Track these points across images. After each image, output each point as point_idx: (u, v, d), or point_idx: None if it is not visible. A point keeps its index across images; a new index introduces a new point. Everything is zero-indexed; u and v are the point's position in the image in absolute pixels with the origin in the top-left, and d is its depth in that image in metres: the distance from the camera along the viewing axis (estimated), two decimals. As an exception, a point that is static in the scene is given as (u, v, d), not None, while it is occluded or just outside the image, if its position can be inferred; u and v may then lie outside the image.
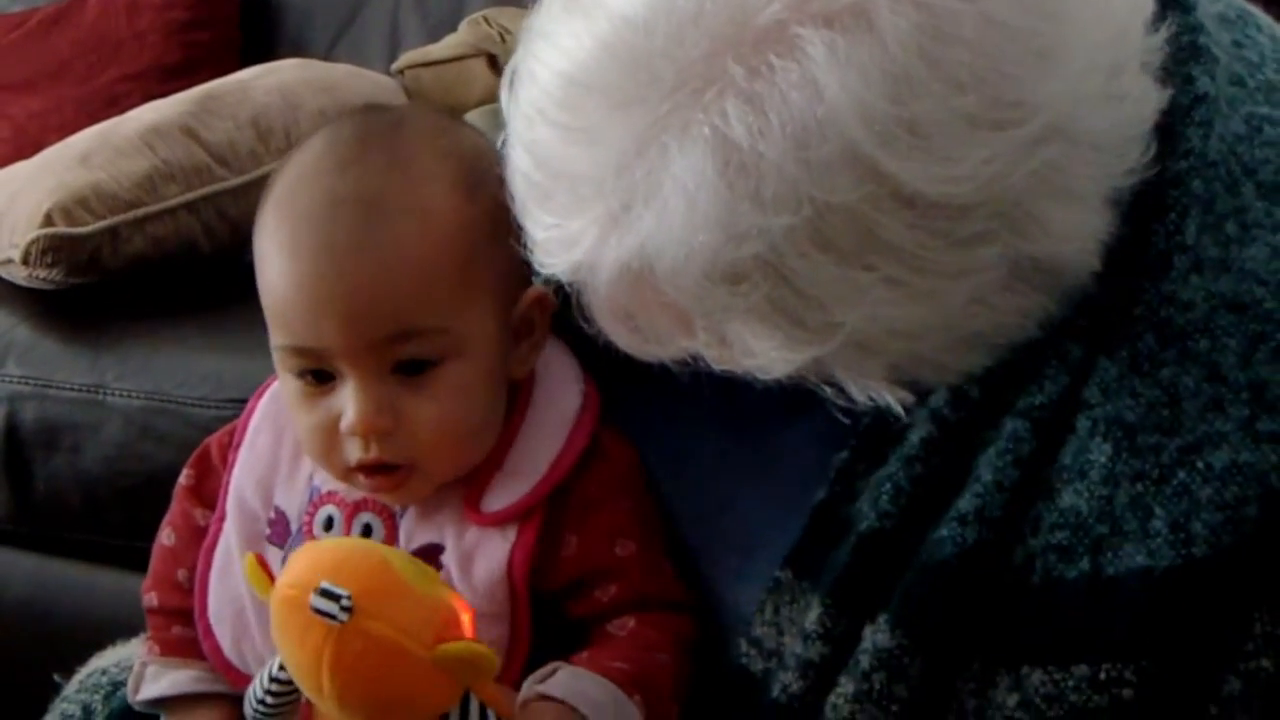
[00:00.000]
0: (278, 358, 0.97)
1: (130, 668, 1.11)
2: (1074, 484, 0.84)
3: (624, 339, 0.85)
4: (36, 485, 1.83)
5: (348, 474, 0.96)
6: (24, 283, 1.90)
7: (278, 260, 0.95)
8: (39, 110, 2.31)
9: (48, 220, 1.84)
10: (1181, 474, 0.82)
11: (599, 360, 0.94)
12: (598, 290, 0.81)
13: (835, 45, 0.73)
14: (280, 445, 1.02)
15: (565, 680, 0.92)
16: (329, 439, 0.95)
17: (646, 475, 1.00)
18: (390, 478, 0.95)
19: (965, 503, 0.86)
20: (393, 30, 2.40)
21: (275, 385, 1.05)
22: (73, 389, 1.81)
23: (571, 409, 0.99)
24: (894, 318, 0.77)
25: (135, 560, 1.72)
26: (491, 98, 1.91)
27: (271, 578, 0.90)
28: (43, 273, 1.87)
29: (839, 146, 0.73)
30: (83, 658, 1.18)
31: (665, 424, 0.99)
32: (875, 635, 0.87)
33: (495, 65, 2.14)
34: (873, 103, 0.73)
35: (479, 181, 0.94)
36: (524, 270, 0.91)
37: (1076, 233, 0.79)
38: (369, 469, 0.95)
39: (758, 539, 0.96)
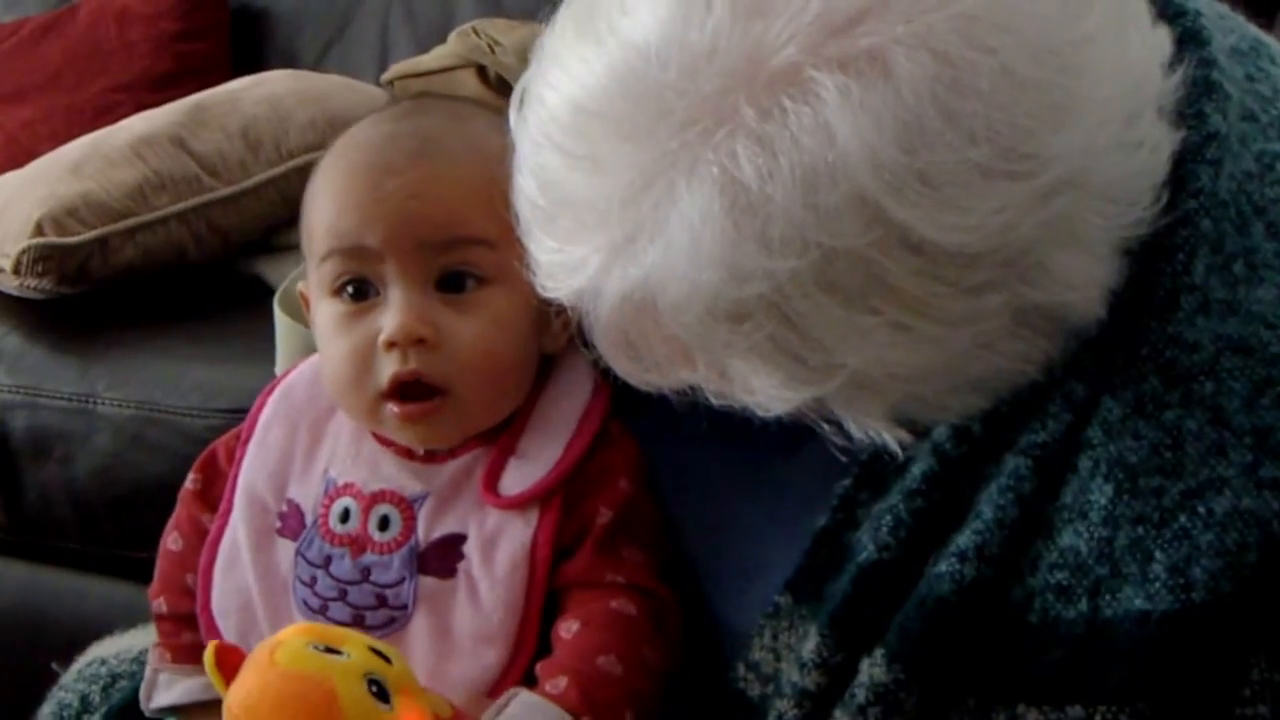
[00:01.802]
0: (318, 277, 0.98)
1: (129, 658, 1.13)
2: (1074, 524, 0.84)
3: (623, 366, 0.85)
4: (27, 494, 1.83)
5: (378, 403, 0.96)
6: (14, 292, 1.90)
7: (333, 184, 0.97)
8: (30, 119, 2.31)
9: (38, 230, 1.85)
10: (1182, 518, 0.81)
11: (610, 374, 0.93)
12: (599, 317, 0.81)
13: (849, 91, 0.72)
14: (295, 439, 1.03)
15: (518, 714, 0.92)
16: (363, 362, 0.96)
17: (652, 489, 1.00)
18: (422, 405, 0.95)
19: (965, 539, 0.85)
20: (382, 41, 2.40)
21: (285, 383, 1.06)
22: (63, 398, 1.81)
23: (583, 396, 1.00)
24: (897, 361, 0.77)
25: (126, 569, 1.74)
26: (480, 109, 1.87)
27: (229, 676, 0.90)
28: (33, 282, 1.87)
29: (848, 192, 0.72)
30: (68, 664, 1.18)
31: (671, 442, 0.99)
32: (872, 669, 0.87)
33: (484, 76, 2.14)
34: (884, 150, 0.72)
35: None
36: None
37: (1083, 281, 0.79)
38: (404, 389, 0.95)
39: (759, 562, 0.96)
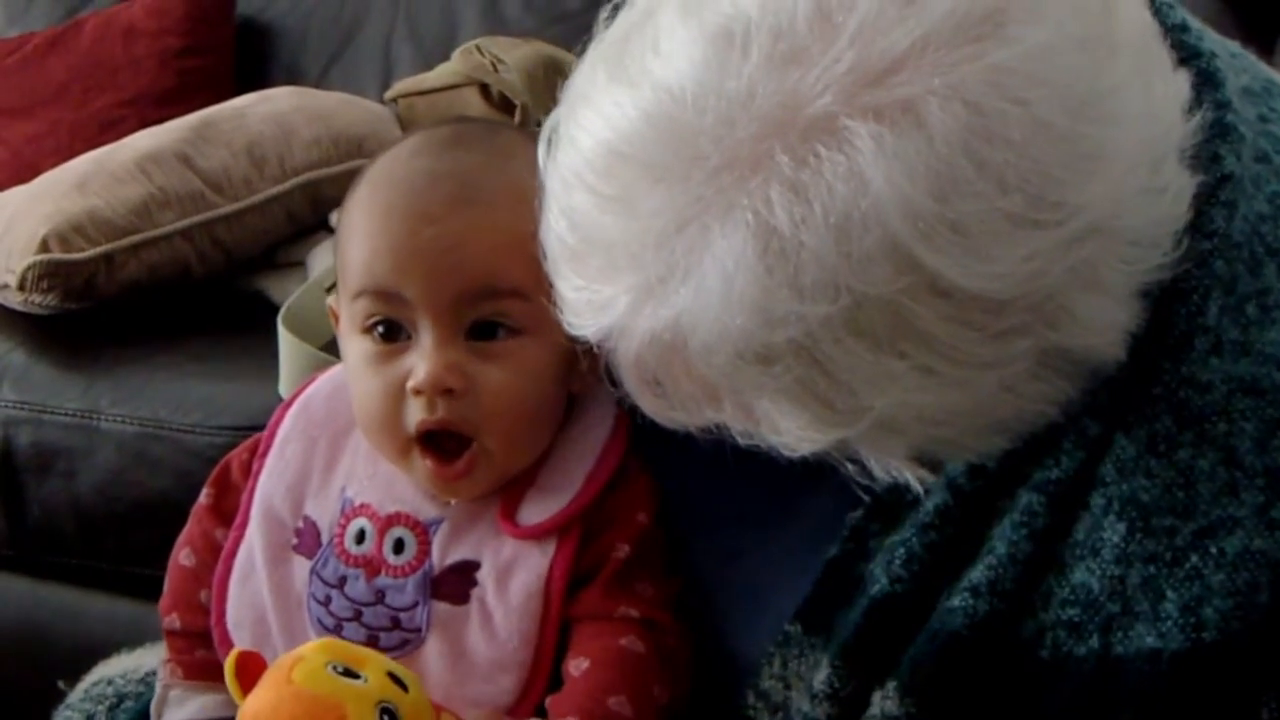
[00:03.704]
0: (350, 313, 0.97)
1: (136, 678, 1.12)
2: (1086, 561, 0.84)
3: (649, 404, 0.84)
4: (30, 510, 1.84)
5: (407, 448, 0.96)
6: (20, 308, 1.91)
7: (369, 222, 0.96)
8: (35, 134, 2.31)
9: (44, 246, 1.86)
10: (1194, 557, 0.82)
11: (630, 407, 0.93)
12: (626, 355, 0.81)
13: (883, 139, 0.72)
14: (313, 455, 1.02)
15: None
16: (393, 404, 0.95)
17: (664, 517, 1.00)
18: (454, 466, 0.95)
19: (978, 574, 0.86)
20: (385, 58, 2.40)
21: (304, 396, 1.05)
22: (67, 414, 1.82)
23: (604, 430, 1.00)
24: (923, 404, 0.77)
25: (128, 585, 1.74)
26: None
27: (248, 685, 0.91)
28: (38, 298, 1.88)
29: (880, 240, 0.73)
30: (74, 682, 1.18)
31: (684, 468, 0.98)
32: (883, 702, 0.87)
33: (488, 94, 2.15)
34: (917, 199, 0.72)
35: None
36: None
37: (1106, 325, 0.79)
38: (431, 436, 0.95)
39: (769, 590, 0.96)
